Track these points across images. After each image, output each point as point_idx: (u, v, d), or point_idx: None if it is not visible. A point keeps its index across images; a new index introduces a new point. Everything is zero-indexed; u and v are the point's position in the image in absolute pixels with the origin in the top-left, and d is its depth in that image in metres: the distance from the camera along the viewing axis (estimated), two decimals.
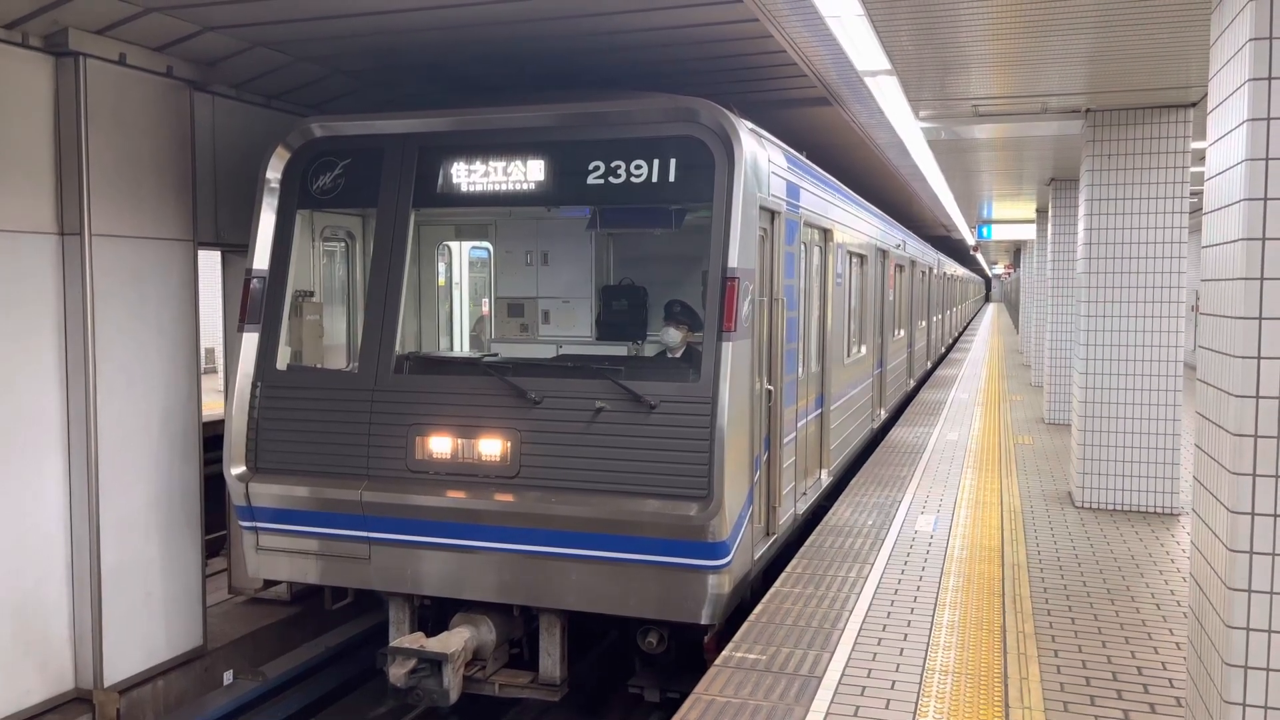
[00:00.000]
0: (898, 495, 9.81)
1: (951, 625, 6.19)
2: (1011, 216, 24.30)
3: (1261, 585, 3.72)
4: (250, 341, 7.36)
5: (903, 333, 17.95)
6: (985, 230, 26.86)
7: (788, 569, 7.32)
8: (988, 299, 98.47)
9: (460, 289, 10.89)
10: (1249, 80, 3.67)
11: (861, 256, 12.47)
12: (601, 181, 6.78)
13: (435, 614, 7.31)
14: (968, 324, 52.66)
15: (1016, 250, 43.50)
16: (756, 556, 7.11)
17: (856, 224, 11.83)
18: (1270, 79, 3.64)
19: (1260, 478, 3.71)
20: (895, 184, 17.65)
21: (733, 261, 6.37)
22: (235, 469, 7.23)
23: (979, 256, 51.58)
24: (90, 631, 7.11)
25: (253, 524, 7.32)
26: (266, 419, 7.28)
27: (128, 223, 7.34)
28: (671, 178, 6.65)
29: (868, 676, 5.41)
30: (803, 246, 8.70)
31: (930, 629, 6.12)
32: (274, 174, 7.48)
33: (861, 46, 7.17)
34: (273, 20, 7.10)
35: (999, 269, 68.35)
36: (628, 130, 6.76)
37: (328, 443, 7.06)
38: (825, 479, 9.89)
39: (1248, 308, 3.70)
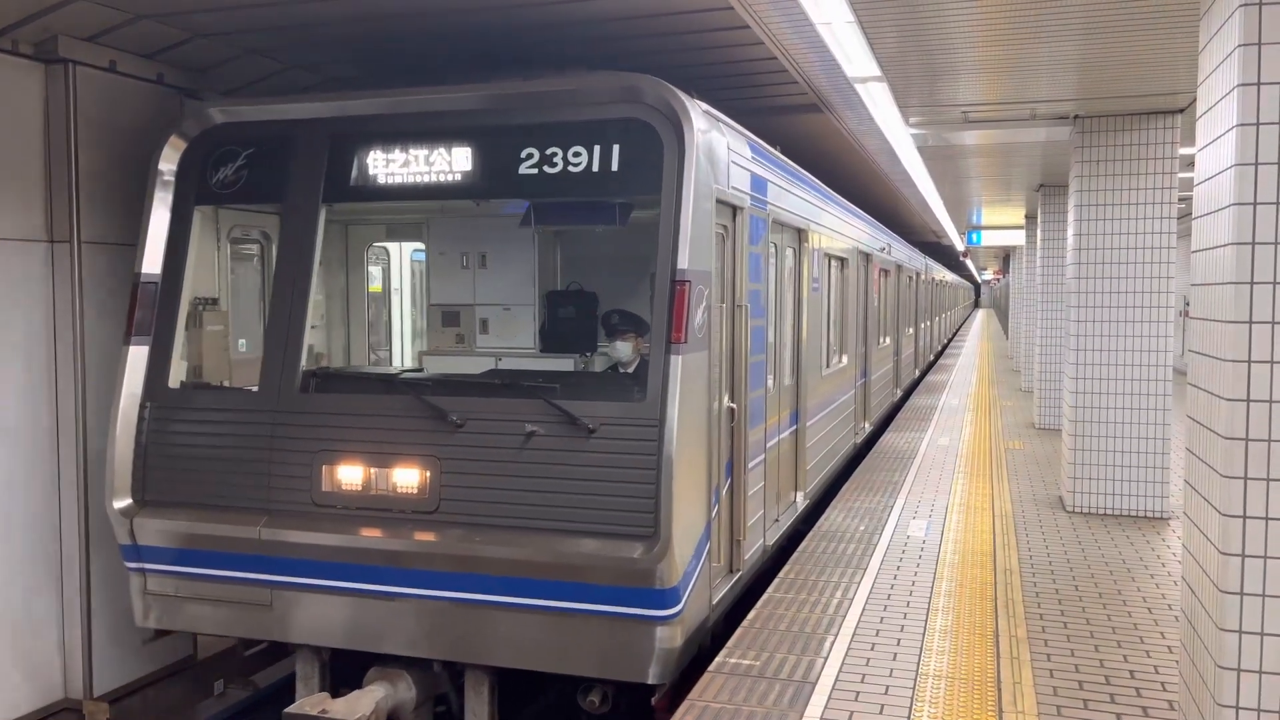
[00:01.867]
0: (889, 500, 9.82)
1: (944, 630, 6.20)
2: (1001, 222, 24.38)
3: (1254, 588, 3.73)
4: (138, 356, 6.52)
5: (888, 340, 17.30)
6: (975, 236, 26.96)
7: (780, 574, 7.32)
8: (977, 304, 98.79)
9: (401, 295, 10.11)
10: (1238, 85, 3.69)
11: (841, 260, 11.79)
12: (535, 171, 5.98)
13: (348, 668, 6.43)
14: (957, 330, 52.77)
15: (1006, 256, 43.67)
16: (716, 600, 6.28)
17: (835, 225, 11.13)
18: (1259, 84, 3.66)
19: (1251, 481, 3.72)
20: (885, 190, 17.71)
21: (683, 262, 5.56)
22: (118, 502, 6.40)
23: (969, 262, 51.75)
24: (80, 641, 7.07)
25: (139, 565, 6.47)
26: (155, 445, 6.44)
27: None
28: (614, 166, 5.85)
29: (861, 682, 5.40)
30: (772, 247, 7.99)
31: (923, 634, 6.12)
32: (168, 165, 6.67)
33: (852, 53, 7.20)
34: (262, 28, 7.08)
35: (988, 274, 68.58)
36: (563, 112, 5.97)
37: (223, 472, 6.26)
38: (801, 502, 9.18)
39: (1238, 312, 3.71)
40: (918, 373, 23.60)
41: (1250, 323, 3.70)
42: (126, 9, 6.60)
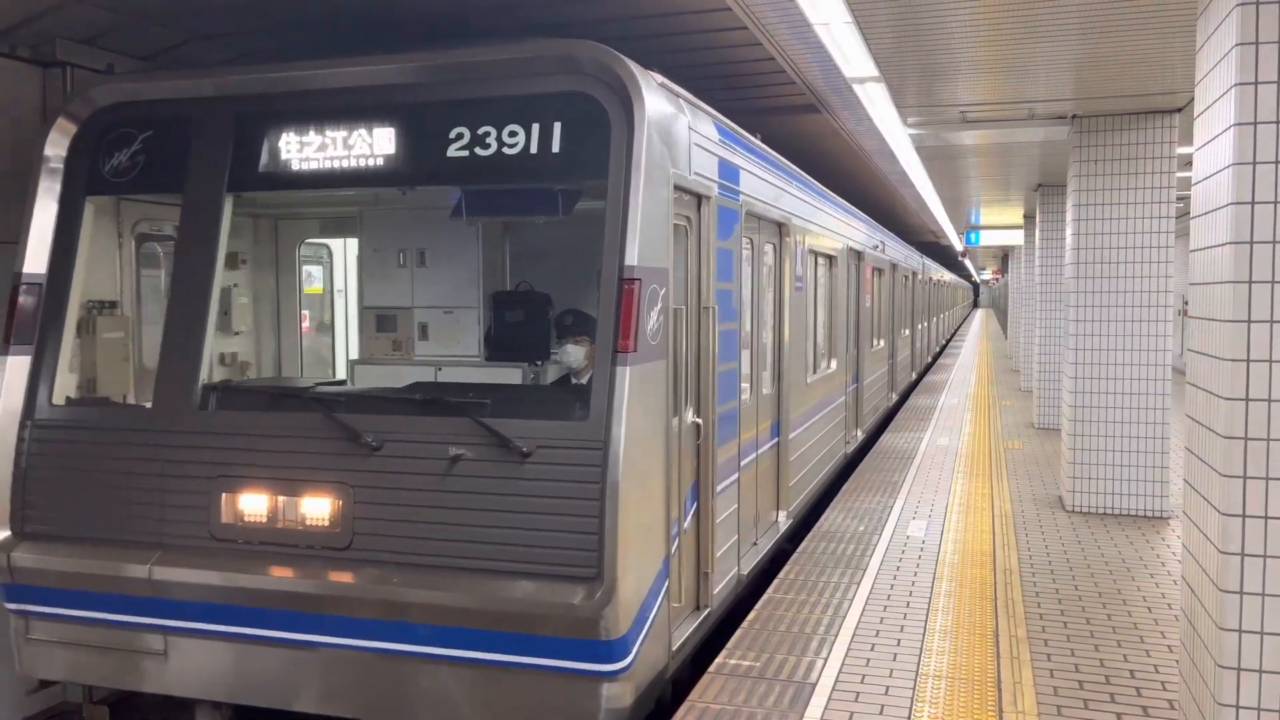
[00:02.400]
0: (889, 500, 9.82)
1: (944, 630, 6.19)
2: (999, 222, 24.41)
3: (1253, 587, 3.73)
4: (18, 366, 5.77)
5: (883, 343, 16.50)
6: (973, 236, 26.99)
7: (780, 575, 7.31)
8: (976, 304, 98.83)
9: (346, 297, 9.30)
10: (1235, 85, 3.69)
11: (829, 258, 11.00)
12: (465, 154, 5.24)
13: None
14: (956, 330, 52.80)
15: (1004, 256, 43.70)
16: (677, 645, 5.53)
17: (821, 219, 10.33)
18: (1257, 83, 3.66)
19: (1251, 480, 3.72)
20: (884, 191, 17.73)
21: (631, 257, 4.82)
22: None
23: (967, 262, 51.78)
24: None
25: (19, 605, 5.70)
26: (36, 469, 5.67)
27: None
28: (555, 147, 5.11)
29: (861, 682, 5.40)
30: (747, 243, 7.30)
31: (923, 634, 6.12)
32: (55, 151, 5.92)
33: (849, 53, 7.20)
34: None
35: (987, 274, 68.62)
36: (496, 86, 5.22)
37: (112, 500, 5.52)
38: (783, 522, 8.48)
39: (1236, 311, 3.72)
40: (914, 376, 23.08)
41: (1249, 321, 3.71)
42: (123, 11, 6.59)
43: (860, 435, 13.51)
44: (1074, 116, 9.29)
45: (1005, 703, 5.16)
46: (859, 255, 13.23)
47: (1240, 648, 3.75)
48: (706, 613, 6.12)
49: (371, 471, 5.11)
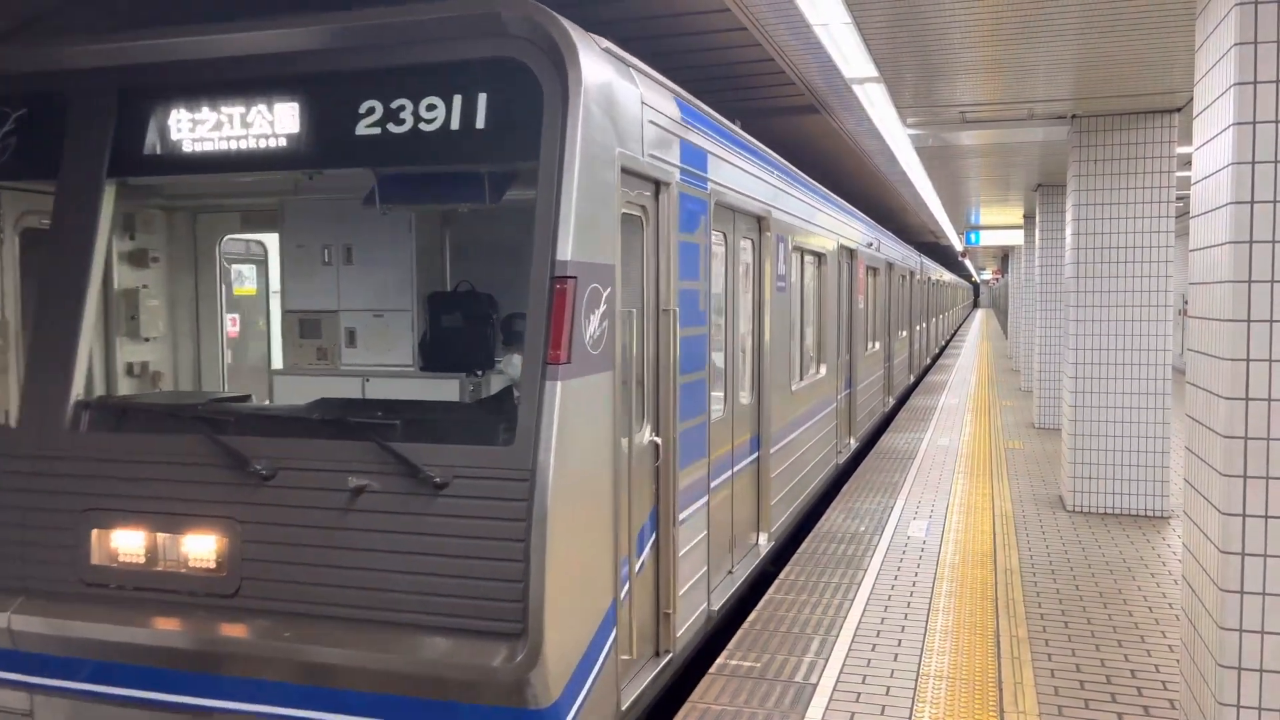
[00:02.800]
0: (890, 501, 9.82)
1: (945, 630, 6.19)
2: (999, 222, 24.43)
3: (1254, 586, 3.73)
4: None
5: (878, 346, 15.79)
6: (973, 236, 27.01)
7: (781, 576, 7.32)
8: (976, 304, 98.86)
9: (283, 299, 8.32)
10: (1234, 84, 3.69)
11: (818, 255, 10.29)
12: (377, 131, 4.53)
13: None
14: (956, 330, 52.80)
15: (1004, 256, 43.72)
16: (629, 702, 4.81)
17: (808, 214, 9.62)
18: (1256, 83, 3.66)
19: (1251, 479, 3.72)
20: (884, 191, 17.74)
21: (564, 252, 4.16)
22: None
23: (967, 262, 51.80)
24: None
25: None
26: None
27: None
28: (479, 122, 4.40)
29: (862, 683, 5.40)
30: (720, 236, 6.69)
31: (924, 634, 6.12)
32: None
33: (849, 54, 7.21)
34: None
35: (987, 274, 68.66)
36: (412, 52, 4.53)
37: None
38: (765, 545, 7.79)
39: (1235, 310, 3.72)
40: (912, 378, 22.62)
41: (1248, 321, 3.71)
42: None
43: (854, 444, 12.93)
44: (1073, 116, 9.30)
45: (1006, 703, 5.16)
46: (851, 253, 12.63)
47: (1241, 647, 3.76)
48: (668, 659, 5.43)
49: (262, 505, 4.39)
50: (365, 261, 6.77)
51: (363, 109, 4.55)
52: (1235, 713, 3.77)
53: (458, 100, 4.42)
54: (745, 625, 6.28)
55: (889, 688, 5.34)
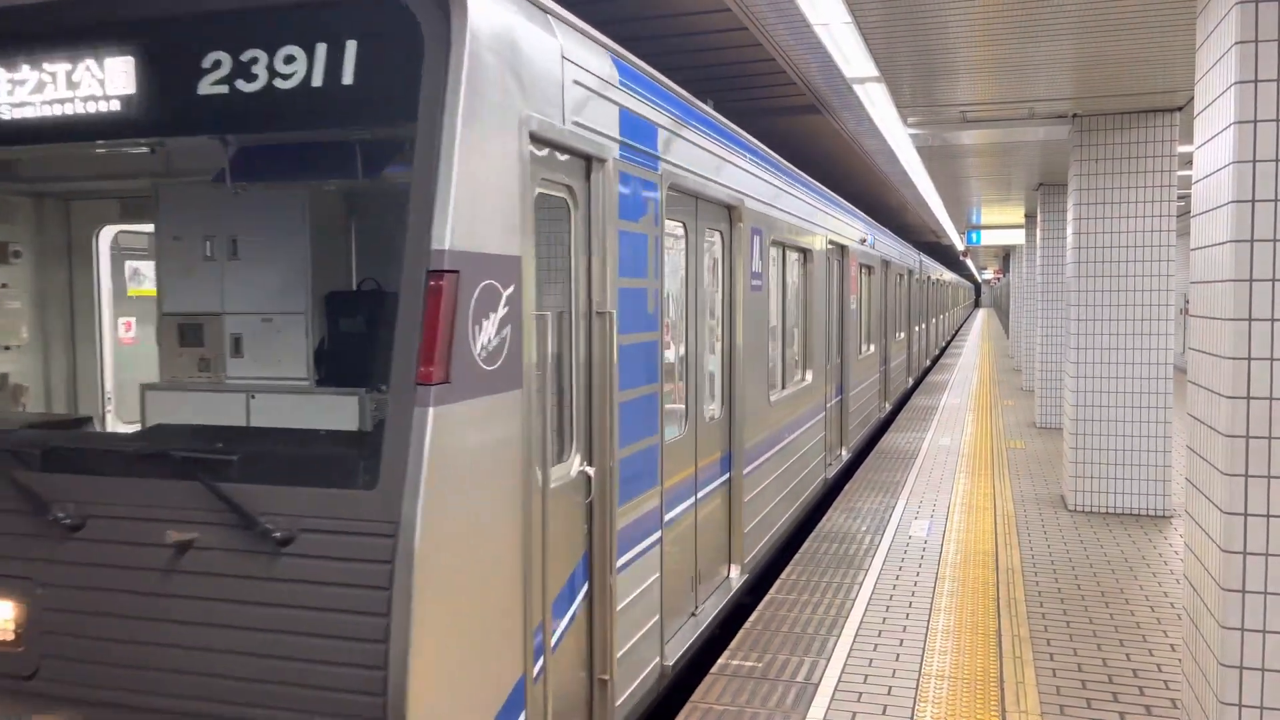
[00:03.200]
0: (891, 501, 9.82)
1: (946, 630, 6.19)
2: (1000, 222, 24.42)
3: (1256, 586, 3.73)
4: None
5: (873, 348, 14.89)
6: (974, 236, 27.00)
7: (782, 576, 7.32)
8: (977, 304, 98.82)
9: None
10: (1235, 83, 3.69)
11: (804, 251, 9.49)
12: (225, 90, 3.60)
13: None
14: (957, 330, 52.77)
15: (1006, 255, 43.71)
16: None
17: (791, 205, 8.75)
18: (1256, 81, 3.66)
19: (1253, 478, 3.72)
20: (885, 191, 17.74)
21: (441, 239, 3.27)
22: None
23: (969, 261, 51.78)
24: None
25: None
26: None
27: None
28: (347, 77, 3.47)
29: (864, 682, 5.40)
30: (678, 226, 5.91)
31: (925, 634, 6.12)
32: None
33: (849, 53, 7.21)
34: None
35: (988, 274, 68.66)
36: None
37: None
38: (737, 579, 6.92)
39: (1237, 309, 3.72)
40: (911, 381, 21.98)
41: (1250, 320, 3.70)
42: None
43: (846, 454, 12.18)
44: (1074, 116, 9.30)
45: (1008, 702, 5.16)
46: (842, 250, 11.70)
47: (1242, 646, 3.75)
48: None
49: (66, 563, 3.51)
50: (253, 256, 5.70)
51: (206, 63, 3.63)
52: (1237, 712, 3.76)
53: (321, 50, 3.52)
54: (746, 625, 6.28)
55: (891, 687, 5.34)
